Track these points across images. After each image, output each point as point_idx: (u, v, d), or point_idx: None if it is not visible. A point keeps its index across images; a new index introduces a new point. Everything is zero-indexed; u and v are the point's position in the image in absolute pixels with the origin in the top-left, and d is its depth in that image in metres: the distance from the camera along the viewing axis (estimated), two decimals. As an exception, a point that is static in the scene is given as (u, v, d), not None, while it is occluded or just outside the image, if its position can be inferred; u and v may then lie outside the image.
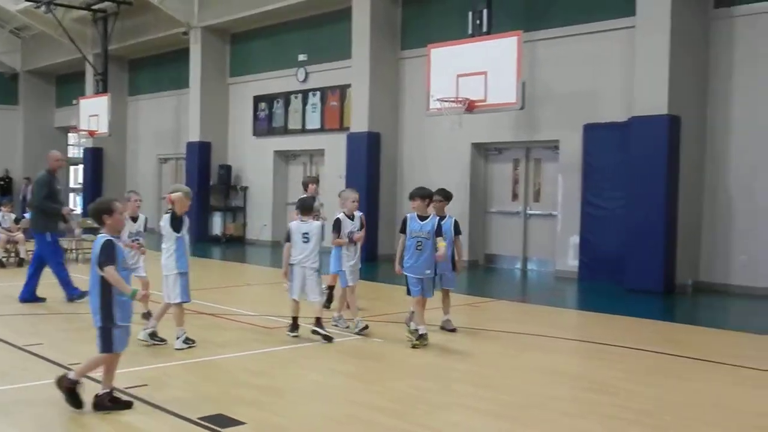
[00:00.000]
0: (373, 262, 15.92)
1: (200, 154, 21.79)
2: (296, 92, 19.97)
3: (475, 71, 14.07)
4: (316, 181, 10.83)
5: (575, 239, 14.28)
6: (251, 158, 21.48)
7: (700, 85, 12.89)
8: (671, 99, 12.34)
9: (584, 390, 6.50)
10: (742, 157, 12.54)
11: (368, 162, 17.11)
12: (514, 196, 16.02)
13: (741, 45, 12.57)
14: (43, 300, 10.19)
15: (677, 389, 6.47)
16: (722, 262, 12.73)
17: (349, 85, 18.03)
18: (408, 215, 8.07)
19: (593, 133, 13.95)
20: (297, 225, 8.24)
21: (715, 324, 9.95)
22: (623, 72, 13.43)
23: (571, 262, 14.41)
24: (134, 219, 8.77)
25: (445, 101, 14.34)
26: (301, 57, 19.66)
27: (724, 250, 12.73)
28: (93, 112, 23.40)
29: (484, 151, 16.37)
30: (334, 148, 18.51)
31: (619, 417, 5.58)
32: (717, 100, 12.83)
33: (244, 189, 21.63)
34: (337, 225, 8.53)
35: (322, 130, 19.34)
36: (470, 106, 14.21)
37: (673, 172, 12.45)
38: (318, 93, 19.41)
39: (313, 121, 19.57)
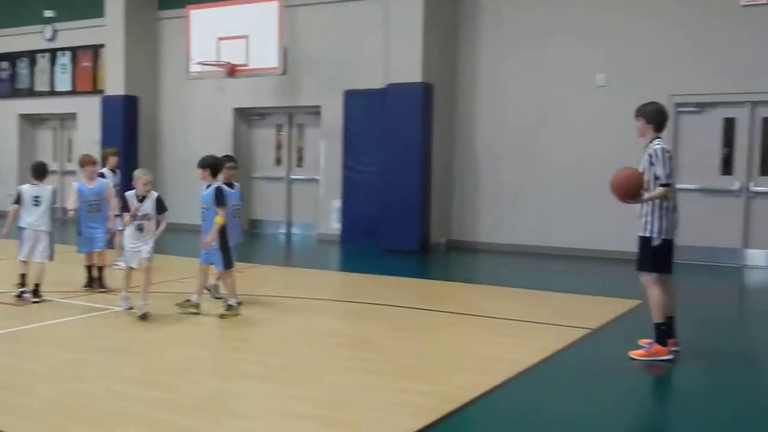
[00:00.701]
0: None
1: (-69, 117, 19.65)
2: (43, 51, 18.56)
3: (236, 35, 13.94)
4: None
5: (337, 203, 14.69)
6: (-7, 122, 19.73)
7: (450, 53, 13.66)
8: (425, 67, 12.96)
9: (348, 348, 6.77)
10: (487, 124, 13.50)
11: (125, 127, 16.40)
12: (278, 162, 16.12)
13: (485, 14, 13.44)
14: None
15: (433, 342, 6.93)
16: (471, 221, 13.70)
17: (102, 45, 17.08)
18: None
19: (353, 99, 14.34)
20: (28, 188, 8.21)
21: (465, 279, 10.82)
22: (381, 39, 13.89)
23: (333, 225, 14.81)
24: None
25: (206, 65, 14.09)
26: (48, 13, 18.24)
27: (471, 210, 13.70)
28: None
29: (246, 116, 16.27)
30: (88, 112, 17.50)
31: (380, 371, 5.89)
32: (465, 68, 13.67)
33: (-15, 155, 19.85)
34: (124, 202, 7.80)
35: (73, 92, 18.18)
36: (232, 70, 14.09)
37: (427, 138, 13.13)
38: (68, 53, 18.19)
39: (64, 82, 18.34)
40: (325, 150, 15.01)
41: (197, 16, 14.57)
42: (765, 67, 11.36)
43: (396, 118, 13.17)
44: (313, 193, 15.45)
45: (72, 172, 18.44)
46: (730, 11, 11.57)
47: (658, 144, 6.30)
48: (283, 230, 15.99)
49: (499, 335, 7.14)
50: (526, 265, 12.07)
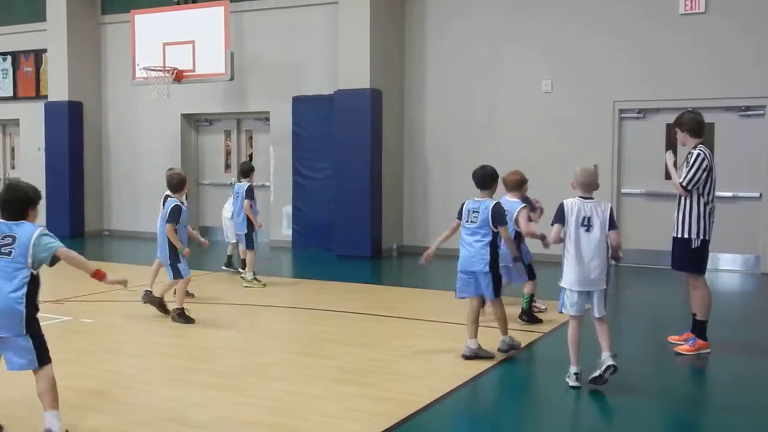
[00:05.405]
0: (81, 239, 15.10)
1: None
2: (-18, 56, 18.14)
3: (182, 40, 13.83)
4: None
5: (288, 209, 14.65)
6: (-70, 129, 19.18)
7: (398, 59, 13.72)
8: (372, 73, 13.00)
9: (300, 354, 6.76)
10: (436, 130, 13.58)
11: (70, 133, 16.12)
12: (227, 168, 16.00)
13: (431, 21, 13.55)
14: None
15: (386, 348, 6.94)
16: (422, 226, 13.76)
17: (44, 50, 16.76)
18: None
19: (301, 105, 14.32)
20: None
21: (418, 285, 10.79)
22: (329, 45, 13.90)
23: (284, 231, 14.76)
24: None
25: (152, 70, 13.93)
26: (-14, 17, 17.86)
27: (423, 215, 13.77)
28: None
29: (194, 122, 16.12)
30: (31, 118, 17.14)
31: (332, 378, 5.89)
32: (413, 74, 13.75)
33: (-77, 163, 19.29)
34: None
35: (15, 98, 17.77)
36: (178, 76, 13.97)
37: (376, 143, 13.17)
38: (8, 57, 17.79)
39: (5, 88, 17.91)
40: (274, 156, 14.95)
41: (141, 21, 14.39)
42: (703, 73, 11.67)
43: (345, 124, 13.18)
44: (263, 198, 15.32)
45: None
46: (669, 20, 11.86)
47: (699, 149, 6.64)
48: (233, 237, 15.83)
49: (453, 340, 7.16)
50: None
